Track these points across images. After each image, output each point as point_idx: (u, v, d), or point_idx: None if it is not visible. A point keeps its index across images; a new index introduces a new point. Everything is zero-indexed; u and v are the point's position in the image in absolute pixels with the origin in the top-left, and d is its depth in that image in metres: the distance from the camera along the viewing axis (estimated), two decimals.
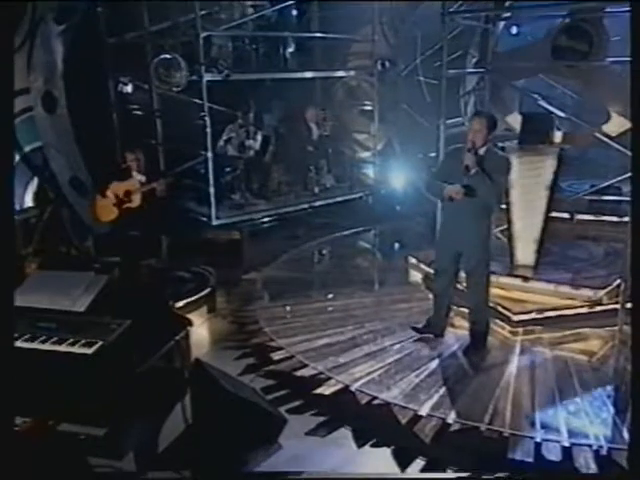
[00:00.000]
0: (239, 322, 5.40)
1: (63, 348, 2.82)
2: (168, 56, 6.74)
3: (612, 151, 7.94)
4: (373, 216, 8.68)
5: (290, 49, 8.77)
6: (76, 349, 2.81)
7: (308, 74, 8.87)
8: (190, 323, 3.38)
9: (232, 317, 5.53)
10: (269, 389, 4.25)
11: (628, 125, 6.83)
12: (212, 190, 7.55)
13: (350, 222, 8.37)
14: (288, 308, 5.56)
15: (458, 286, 4.93)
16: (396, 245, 7.68)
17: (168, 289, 5.00)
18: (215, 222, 7.54)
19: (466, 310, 4.84)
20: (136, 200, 5.78)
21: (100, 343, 2.82)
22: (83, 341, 2.84)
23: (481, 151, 4.30)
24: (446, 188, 4.31)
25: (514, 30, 10.33)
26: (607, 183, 6.96)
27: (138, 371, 2.80)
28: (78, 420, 2.68)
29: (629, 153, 5.64)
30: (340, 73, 9.39)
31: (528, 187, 5.54)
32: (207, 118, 7.32)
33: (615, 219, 7.14)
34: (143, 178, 5.91)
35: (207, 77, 7.25)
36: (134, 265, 4.42)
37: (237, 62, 8.13)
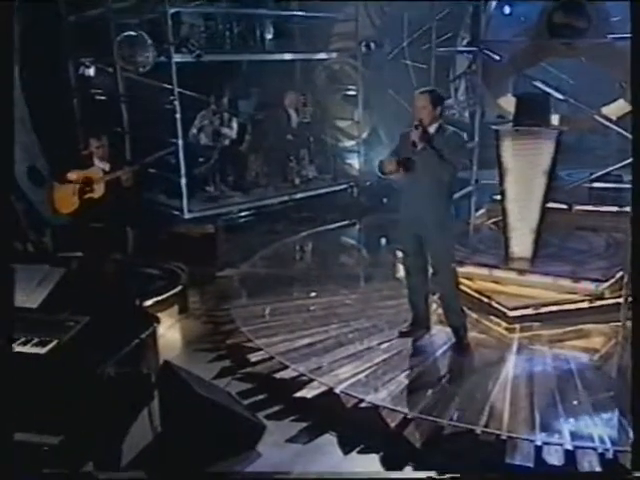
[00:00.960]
0: (213, 322, 5.32)
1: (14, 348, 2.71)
2: (133, 33, 6.62)
3: (612, 137, 7.98)
4: (358, 209, 8.65)
5: (267, 29, 8.65)
6: (28, 349, 2.73)
7: (287, 56, 8.81)
8: (157, 320, 3.30)
9: (206, 317, 5.46)
10: (246, 393, 4.17)
11: (629, 108, 6.86)
12: (183, 181, 7.46)
13: (333, 216, 8.33)
14: (267, 306, 5.48)
15: None
16: (383, 240, 7.62)
17: (134, 285, 4.89)
18: (187, 215, 7.44)
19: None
20: (99, 190, 5.65)
21: (55, 342, 2.74)
22: (36, 340, 2.77)
23: (431, 128, 4.37)
24: (383, 161, 4.39)
25: (507, 10, 10.41)
26: (607, 170, 6.97)
27: (98, 373, 2.73)
28: (30, 428, 2.57)
29: (629, 135, 5.63)
30: (321, 55, 9.35)
31: (524, 173, 5.52)
32: (177, 103, 7.20)
33: (616, 209, 7.16)
34: (106, 166, 5.78)
35: (176, 58, 7.14)
36: (95, 259, 4.30)
37: (209, 43, 8.00)
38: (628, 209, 7.01)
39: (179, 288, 5.73)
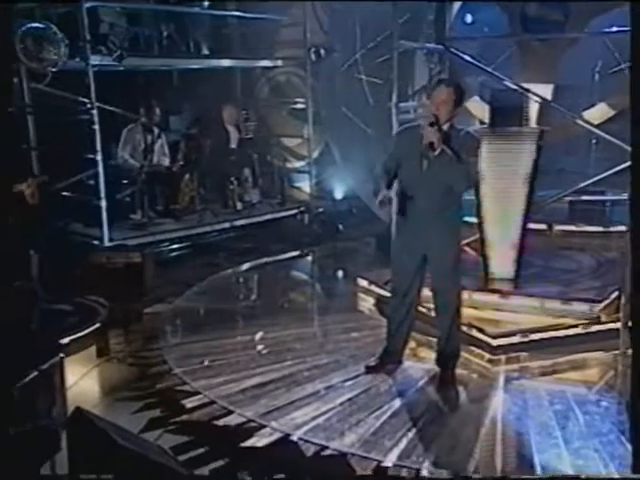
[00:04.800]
0: (140, 364, 5.00)
1: None
2: (39, 25, 6.32)
3: (588, 159, 8.17)
4: (310, 238, 8.56)
5: (202, 32, 8.51)
6: None
7: (225, 63, 8.69)
8: (62, 349, 2.94)
9: (131, 359, 5.13)
10: (182, 447, 3.83)
11: (612, 113, 7.00)
12: (104, 204, 7.09)
13: (282, 245, 8.22)
14: (205, 344, 5.24)
15: (421, 309, 4.82)
16: (339, 271, 7.51)
17: (32, 310, 4.49)
18: (108, 244, 7.05)
19: (433, 338, 4.71)
20: None
21: None
22: None
23: (445, 127, 4.22)
24: (380, 193, 4.24)
25: (469, 19, 10.63)
26: (588, 182, 7.03)
27: None
28: None
29: (617, 142, 5.67)
30: (265, 63, 9.31)
31: (502, 180, 5.50)
32: (95, 112, 6.90)
33: (601, 229, 7.28)
34: None
35: (94, 60, 6.87)
36: None
37: (133, 46, 7.77)
38: (615, 228, 7.13)
39: (97, 326, 5.37)
